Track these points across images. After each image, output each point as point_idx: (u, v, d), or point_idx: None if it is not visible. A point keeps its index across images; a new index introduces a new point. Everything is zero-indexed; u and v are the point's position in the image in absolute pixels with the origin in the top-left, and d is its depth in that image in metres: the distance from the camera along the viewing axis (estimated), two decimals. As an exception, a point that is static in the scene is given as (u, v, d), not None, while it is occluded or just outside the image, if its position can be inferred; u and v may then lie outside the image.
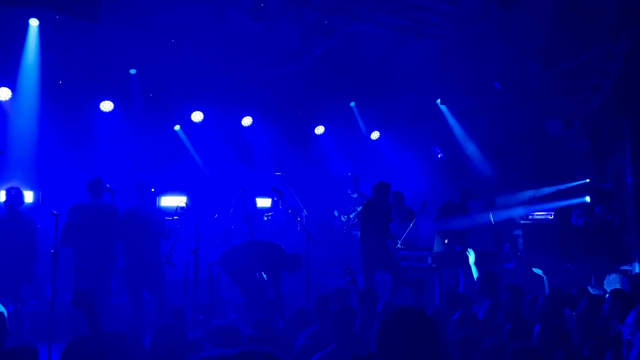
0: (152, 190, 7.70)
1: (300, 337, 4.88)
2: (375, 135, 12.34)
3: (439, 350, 2.21)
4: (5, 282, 6.86)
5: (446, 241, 8.07)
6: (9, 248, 6.88)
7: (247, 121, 11.20)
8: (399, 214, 9.19)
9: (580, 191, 9.92)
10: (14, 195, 7.04)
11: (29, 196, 8.92)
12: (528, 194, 10.42)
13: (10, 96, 9.01)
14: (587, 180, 10.02)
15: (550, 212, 9.69)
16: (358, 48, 9.70)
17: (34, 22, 8.42)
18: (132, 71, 9.71)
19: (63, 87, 9.41)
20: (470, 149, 11.79)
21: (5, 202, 7.07)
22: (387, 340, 2.15)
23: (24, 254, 7.02)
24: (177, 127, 10.91)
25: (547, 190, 10.30)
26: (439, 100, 11.46)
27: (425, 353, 2.11)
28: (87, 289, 3.97)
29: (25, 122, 9.17)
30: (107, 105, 9.90)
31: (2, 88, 8.94)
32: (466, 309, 5.49)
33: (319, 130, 11.89)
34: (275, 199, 10.78)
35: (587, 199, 9.50)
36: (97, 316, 3.80)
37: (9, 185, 7.34)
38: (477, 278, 6.93)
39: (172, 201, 10.04)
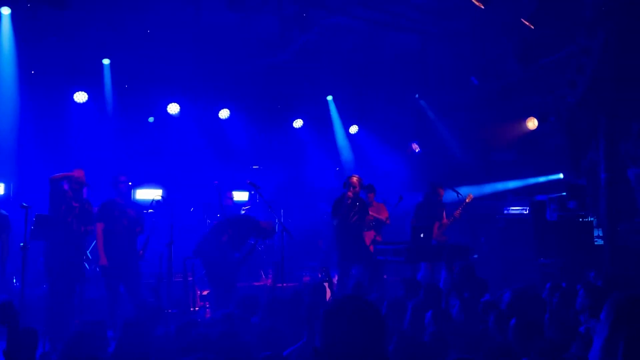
0: (130, 183, 7.61)
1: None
2: (353, 129, 12.32)
3: (384, 339, 2.12)
4: None
5: (422, 235, 8.07)
6: None
7: (224, 114, 11.10)
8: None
9: (556, 186, 10.02)
10: None
11: (-1, 188, 8.79)
12: (507, 185, 10.50)
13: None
14: (561, 176, 10.11)
15: (526, 207, 9.78)
16: (336, 41, 9.66)
17: (5, 11, 8.24)
18: (106, 61, 9.53)
19: (36, 77, 9.22)
20: (449, 143, 11.83)
21: None
22: (331, 331, 2.05)
23: None
24: (151, 119, 10.77)
25: (521, 183, 10.37)
26: (417, 95, 11.47)
27: (371, 343, 2.03)
28: (6, 302, 3.86)
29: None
30: (81, 96, 9.74)
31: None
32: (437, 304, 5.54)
33: (298, 123, 11.83)
34: (252, 192, 10.71)
35: (563, 193, 9.58)
36: (17, 328, 3.70)
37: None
38: (455, 271, 6.96)
39: (148, 194, 9.96)
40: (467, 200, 9.12)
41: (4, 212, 7.03)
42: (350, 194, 8.12)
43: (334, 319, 2.07)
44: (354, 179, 8.27)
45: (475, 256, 10.08)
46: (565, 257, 9.00)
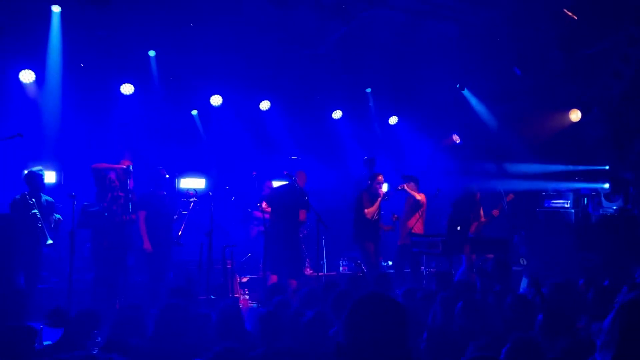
0: (167, 176, 7.99)
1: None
2: (393, 120, 12.30)
3: (408, 337, 2.11)
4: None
5: (459, 228, 8.04)
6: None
7: (265, 105, 11.26)
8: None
9: (600, 177, 9.77)
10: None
11: (51, 177, 9.21)
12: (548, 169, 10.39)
13: (34, 79, 9.24)
14: (607, 167, 9.85)
15: (567, 201, 9.58)
16: (375, 32, 9.64)
17: (56, 9, 8.59)
18: (151, 53, 9.80)
19: (85, 70, 9.58)
20: (490, 134, 11.65)
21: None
22: (354, 328, 2.06)
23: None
24: (194, 112, 11.03)
25: (564, 168, 10.17)
26: (457, 85, 11.34)
27: (394, 340, 2.04)
28: (58, 308, 4.11)
29: (48, 104, 9.41)
30: (127, 88, 10.06)
31: (26, 71, 9.18)
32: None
33: (337, 114, 11.89)
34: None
35: (606, 186, 9.36)
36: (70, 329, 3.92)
37: (33, 166, 7.60)
38: (490, 264, 6.95)
39: (191, 183, 10.26)
40: (507, 199, 9.04)
41: (49, 198, 7.46)
42: (382, 192, 8.38)
43: (357, 314, 2.09)
44: (382, 177, 8.62)
45: (525, 263, 9.96)
46: (608, 252, 8.81)
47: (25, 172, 7.44)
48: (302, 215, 8.22)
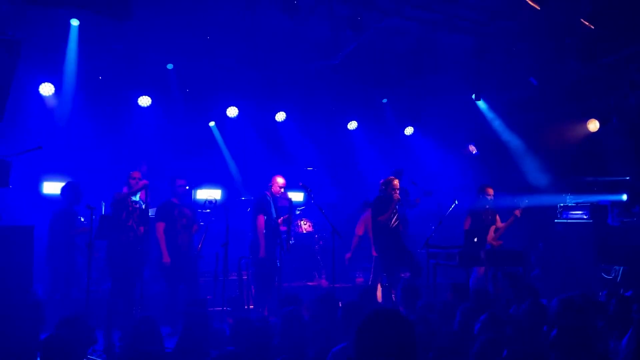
0: (187, 187, 8.01)
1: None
2: (409, 131, 12.27)
3: (417, 354, 2.15)
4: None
5: (476, 239, 7.97)
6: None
7: (280, 116, 11.31)
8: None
9: (619, 188, 9.64)
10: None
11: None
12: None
13: (53, 92, 9.39)
14: (627, 178, 9.72)
15: (586, 212, 9.45)
16: (390, 43, 9.65)
17: (74, 22, 8.73)
18: (169, 66, 9.90)
19: (103, 83, 9.71)
20: (507, 145, 11.56)
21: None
22: (364, 343, 2.10)
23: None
24: (212, 124, 11.12)
25: (582, 179, 10.04)
26: (473, 96, 11.28)
27: (404, 356, 2.07)
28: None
29: (67, 116, 9.54)
30: (145, 100, 10.17)
31: (46, 84, 9.33)
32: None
33: (352, 125, 11.90)
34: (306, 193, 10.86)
35: (624, 197, 9.23)
36: None
37: (50, 178, 7.73)
38: (502, 277, 6.89)
39: (207, 194, 10.32)
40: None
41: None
42: (397, 197, 8.19)
43: (368, 331, 2.13)
44: (397, 182, 8.34)
45: (537, 271, 9.90)
46: (629, 264, 8.67)
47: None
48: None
